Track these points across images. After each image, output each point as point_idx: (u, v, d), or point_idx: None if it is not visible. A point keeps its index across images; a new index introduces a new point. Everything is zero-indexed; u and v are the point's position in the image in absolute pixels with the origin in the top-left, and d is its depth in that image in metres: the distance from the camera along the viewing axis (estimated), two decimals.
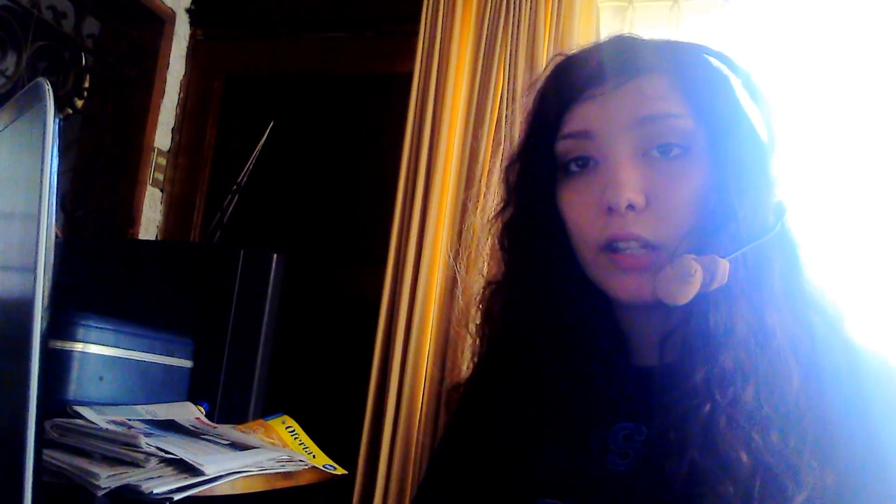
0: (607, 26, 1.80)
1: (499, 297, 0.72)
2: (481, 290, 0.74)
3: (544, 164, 0.66)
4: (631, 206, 0.59)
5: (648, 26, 1.77)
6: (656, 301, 0.59)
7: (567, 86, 0.65)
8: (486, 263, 0.77)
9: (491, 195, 0.77)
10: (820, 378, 0.56)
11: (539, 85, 0.69)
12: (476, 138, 1.77)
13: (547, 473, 0.62)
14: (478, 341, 0.74)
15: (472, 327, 0.76)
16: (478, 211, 0.80)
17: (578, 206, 0.63)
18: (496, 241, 0.74)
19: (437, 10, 1.86)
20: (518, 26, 1.78)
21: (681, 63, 0.63)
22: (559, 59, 0.69)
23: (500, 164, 0.75)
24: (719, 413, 0.54)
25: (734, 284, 0.57)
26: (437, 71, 1.83)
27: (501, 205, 0.73)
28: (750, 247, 0.58)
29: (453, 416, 0.74)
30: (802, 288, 0.61)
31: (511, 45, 1.78)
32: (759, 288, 0.58)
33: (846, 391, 0.55)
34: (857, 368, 0.57)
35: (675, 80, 0.61)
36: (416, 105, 1.85)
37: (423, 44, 1.86)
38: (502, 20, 1.80)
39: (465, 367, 1.69)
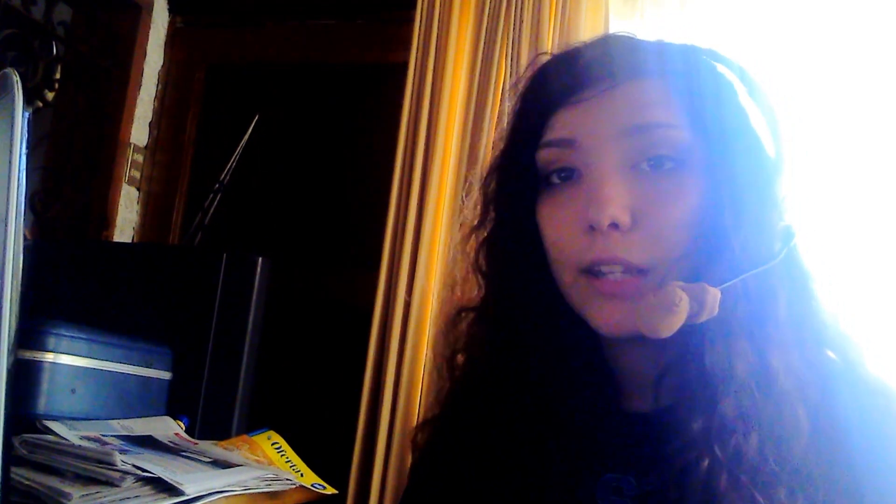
0: (617, 13, 1.80)
1: (474, 326, 0.70)
2: (451, 318, 0.72)
3: (525, 174, 0.64)
4: (614, 225, 0.56)
5: (658, 15, 1.78)
6: (641, 334, 0.56)
7: (549, 89, 0.63)
8: (457, 286, 0.74)
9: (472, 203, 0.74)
10: (834, 426, 0.53)
11: (520, 87, 0.67)
12: (476, 134, 1.78)
13: None
14: (446, 374, 0.72)
15: (439, 360, 0.73)
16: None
17: (558, 223, 0.61)
18: (472, 262, 0.71)
19: None
20: (521, 12, 1.79)
21: (677, 67, 0.61)
22: (542, 58, 0.68)
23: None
24: (719, 469, 0.52)
25: (732, 319, 0.55)
26: (435, 61, 1.84)
27: (478, 220, 0.71)
28: (747, 275, 0.56)
29: (421, 460, 0.72)
30: (814, 321, 0.58)
31: (514, 32, 1.79)
32: (763, 323, 0.56)
33: (867, 440, 0.52)
34: (880, 412, 0.54)
35: (670, 85, 0.59)
36: (412, 98, 1.85)
37: (420, 31, 1.87)
38: (504, 6, 1.81)
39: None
